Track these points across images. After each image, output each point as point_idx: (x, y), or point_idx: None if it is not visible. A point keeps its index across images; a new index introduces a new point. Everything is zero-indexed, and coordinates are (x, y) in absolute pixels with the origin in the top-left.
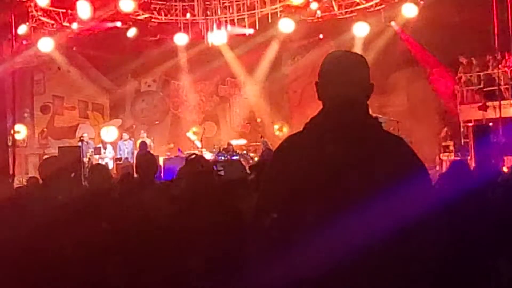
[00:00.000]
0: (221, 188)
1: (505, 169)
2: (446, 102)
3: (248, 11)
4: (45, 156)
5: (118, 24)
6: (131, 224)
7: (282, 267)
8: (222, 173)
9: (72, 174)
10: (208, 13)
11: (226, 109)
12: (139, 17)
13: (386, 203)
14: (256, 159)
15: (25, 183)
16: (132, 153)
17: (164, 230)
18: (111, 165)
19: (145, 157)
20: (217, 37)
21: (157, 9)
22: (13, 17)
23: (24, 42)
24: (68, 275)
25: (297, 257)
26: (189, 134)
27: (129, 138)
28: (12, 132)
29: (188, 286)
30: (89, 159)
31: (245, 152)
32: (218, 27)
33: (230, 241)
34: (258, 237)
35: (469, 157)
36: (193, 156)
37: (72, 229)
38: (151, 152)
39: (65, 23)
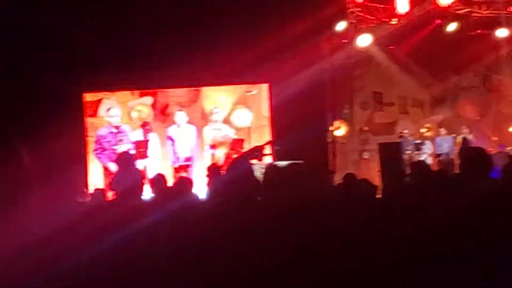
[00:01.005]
0: None
1: None
2: None
3: None
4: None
5: (437, 19)
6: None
7: None
8: None
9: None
10: None
11: None
12: (459, 12)
13: None
14: None
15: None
16: (452, 149)
17: None
18: (429, 161)
19: (472, 153)
20: None
21: (477, 3)
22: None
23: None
24: None
25: None
26: None
27: (448, 134)
28: (331, 128)
29: None
30: (409, 155)
31: None
32: None
33: None
34: None
35: None
36: None
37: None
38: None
39: (383, 19)
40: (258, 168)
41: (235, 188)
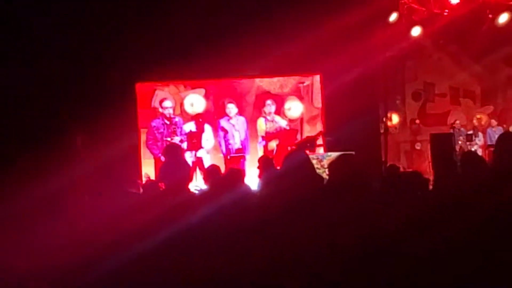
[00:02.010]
0: None
1: None
2: None
3: None
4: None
5: (488, 10)
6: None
7: None
8: None
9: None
10: None
11: None
12: (511, 2)
13: None
14: None
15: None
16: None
17: None
18: (480, 152)
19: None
20: None
21: None
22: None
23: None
24: None
25: None
26: None
27: (499, 125)
28: (384, 119)
29: None
30: (461, 146)
31: None
32: None
33: None
34: None
35: None
36: None
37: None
38: None
39: (435, 10)
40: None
41: (293, 179)
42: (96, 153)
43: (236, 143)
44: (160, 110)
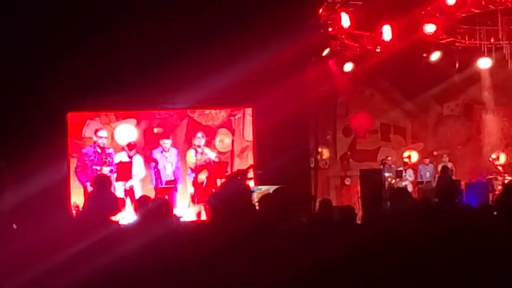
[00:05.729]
0: None
1: None
2: None
3: None
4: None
5: (421, 48)
6: (433, 247)
7: None
8: None
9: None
10: None
11: None
12: (442, 41)
13: None
14: None
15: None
16: (434, 177)
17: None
18: (410, 188)
19: (447, 182)
20: None
21: (460, 33)
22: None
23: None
24: None
25: None
26: (492, 160)
27: (430, 162)
28: (314, 154)
29: None
30: (390, 182)
31: None
32: None
33: None
34: None
35: None
36: None
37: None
38: (453, 176)
39: (368, 46)
40: None
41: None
42: (25, 183)
43: (168, 174)
44: (95, 138)
